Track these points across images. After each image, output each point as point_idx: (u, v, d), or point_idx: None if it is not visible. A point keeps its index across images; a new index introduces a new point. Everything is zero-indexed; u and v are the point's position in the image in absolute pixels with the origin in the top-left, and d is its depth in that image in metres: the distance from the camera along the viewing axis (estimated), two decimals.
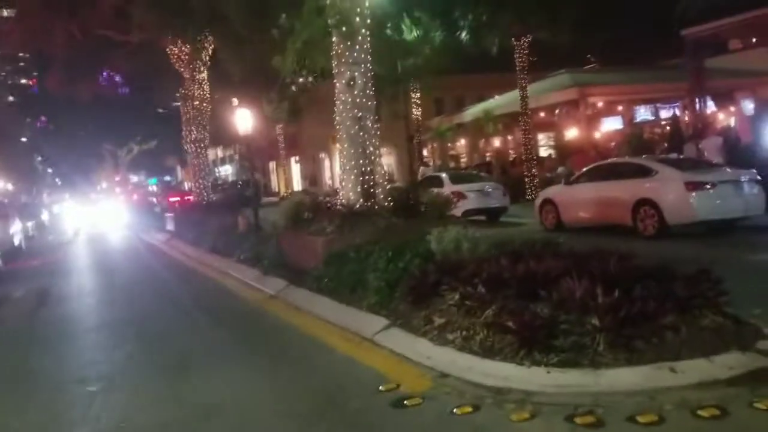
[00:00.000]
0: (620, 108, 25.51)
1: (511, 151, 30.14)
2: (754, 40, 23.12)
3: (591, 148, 24.49)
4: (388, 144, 43.94)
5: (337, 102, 10.12)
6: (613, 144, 24.00)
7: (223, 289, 10.74)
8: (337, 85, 9.95)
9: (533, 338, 5.19)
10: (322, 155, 49.33)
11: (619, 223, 13.76)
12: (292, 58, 10.38)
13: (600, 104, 24.28)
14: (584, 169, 15.71)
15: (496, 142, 31.08)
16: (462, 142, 35.36)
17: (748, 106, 24.15)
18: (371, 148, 10.14)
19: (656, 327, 5.19)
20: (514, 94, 23.95)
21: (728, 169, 13.89)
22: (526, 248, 7.28)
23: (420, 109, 30.80)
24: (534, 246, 7.37)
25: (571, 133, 25.44)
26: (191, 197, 23.56)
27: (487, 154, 32.42)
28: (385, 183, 10.64)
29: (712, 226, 12.92)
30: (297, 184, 51.08)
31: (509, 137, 30.45)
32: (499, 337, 5.46)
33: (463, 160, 36.08)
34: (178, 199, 29.44)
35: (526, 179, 23.32)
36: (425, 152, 37.36)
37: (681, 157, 16.24)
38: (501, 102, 26.59)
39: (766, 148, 16.66)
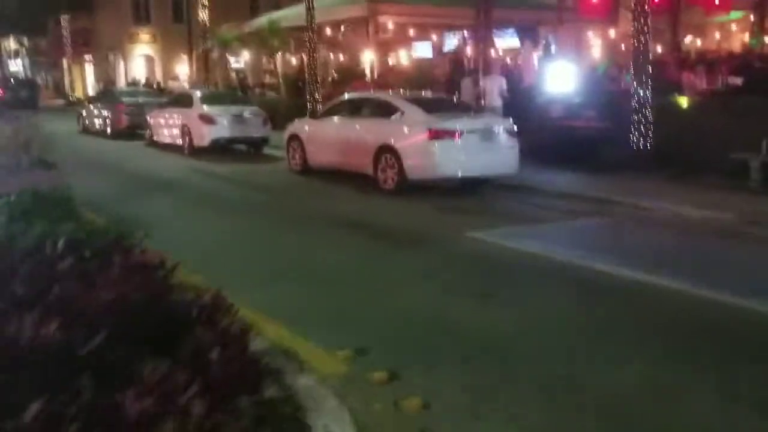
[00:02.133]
0: (412, 32, 23.04)
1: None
2: None
3: (386, 75, 22.08)
4: (184, 50, 39.13)
5: None
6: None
7: None
8: None
9: None
10: (113, 56, 43.25)
11: (362, 172, 11.50)
12: None
13: (390, 26, 21.61)
14: (331, 103, 13.18)
15: (293, 60, 27.69)
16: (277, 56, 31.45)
17: (544, 44, 22.82)
18: None
19: None
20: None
21: (484, 117, 11.98)
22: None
23: (207, 12, 26.51)
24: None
25: (367, 56, 22.77)
26: None
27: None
28: None
29: (462, 183, 11.00)
30: (91, 88, 44.88)
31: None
32: None
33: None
34: None
35: (308, 105, 20.53)
36: (232, 63, 33.13)
37: (442, 97, 14.03)
38: (290, 13, 23.09)
39: (544, 93, 15.08)
